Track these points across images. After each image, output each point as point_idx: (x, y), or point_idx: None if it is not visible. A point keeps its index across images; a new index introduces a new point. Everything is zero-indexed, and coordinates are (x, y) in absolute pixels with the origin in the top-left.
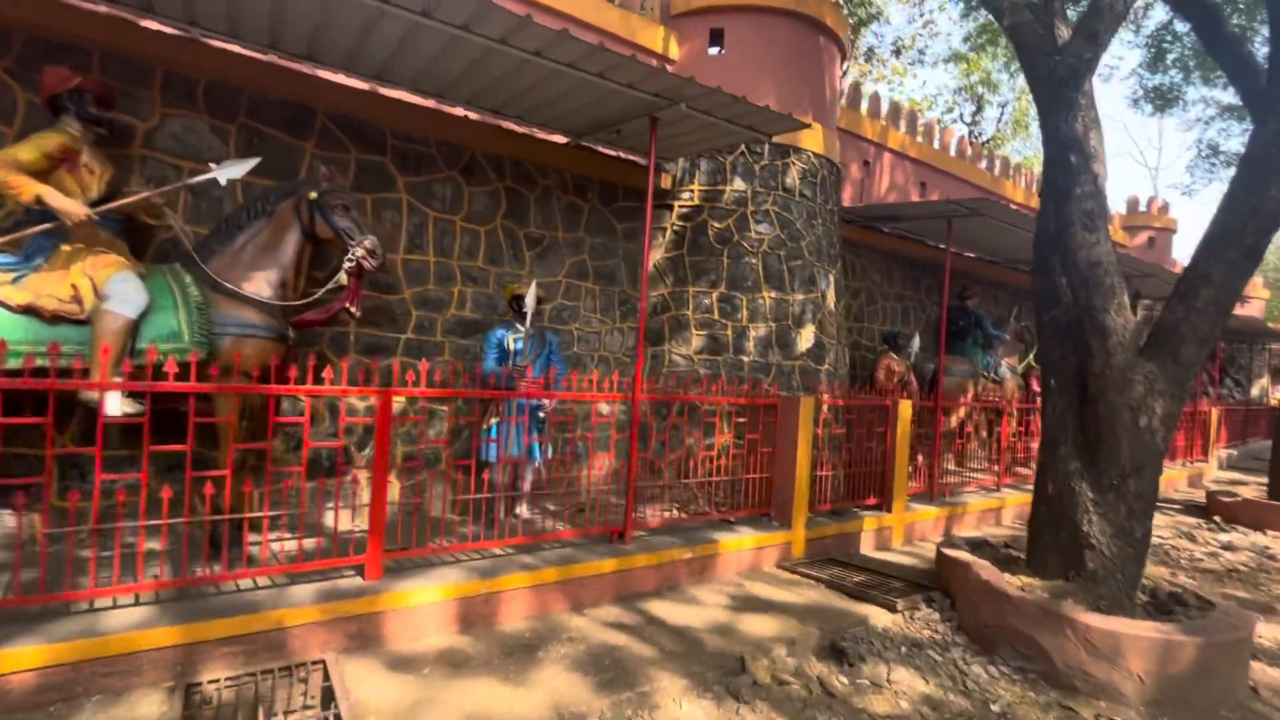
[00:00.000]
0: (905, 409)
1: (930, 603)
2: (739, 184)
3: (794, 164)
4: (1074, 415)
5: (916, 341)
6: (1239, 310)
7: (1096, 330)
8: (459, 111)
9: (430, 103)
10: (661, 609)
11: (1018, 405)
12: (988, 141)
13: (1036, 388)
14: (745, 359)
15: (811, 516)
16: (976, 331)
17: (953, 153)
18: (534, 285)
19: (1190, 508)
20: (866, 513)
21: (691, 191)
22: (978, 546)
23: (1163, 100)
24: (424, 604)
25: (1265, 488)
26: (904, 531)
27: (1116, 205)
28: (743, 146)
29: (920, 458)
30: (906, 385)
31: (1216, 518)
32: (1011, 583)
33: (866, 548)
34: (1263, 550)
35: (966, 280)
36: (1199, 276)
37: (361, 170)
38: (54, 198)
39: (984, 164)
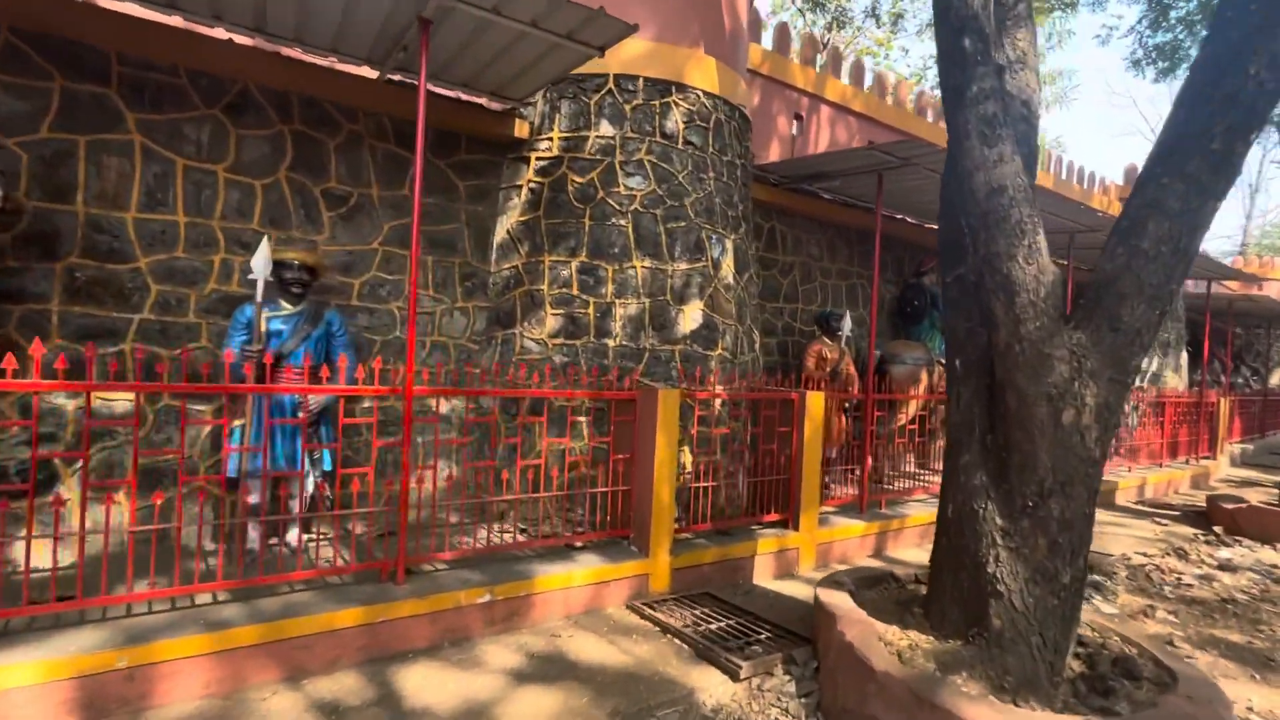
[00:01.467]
0: (815, 403)
1: (790, 666)
2: (606, 129)
3: (677, 104)
4: (982, 410)
5: (848, 322)
6: (1254, 290)
7: (999, 286)
8: (219, 33)
9: (175, 20)
10: (417, 677)
11: None
12: None
13: None
14: (610, 343)
15: (688, 538)
16: (934, 313)
17: (909, 108)
18: (265, 243)
19: (1189, 514)
20: (768, 531)
21: (550, 140)
22: (875, 583)
23: (1166, 61)
24: (15, 688)
25: (1277, 490)
26: (816, 553)
27: (1113, 175)
28: (611, 83)
29: (869, 460)
30: (838, 374)
31: (1217, 528)
32: (891, 644)
33: (763, 576)
34: (1268, 571)
35: (924, 254)
36: (1146, 205)
37: (70, 105)
38: None
39: None
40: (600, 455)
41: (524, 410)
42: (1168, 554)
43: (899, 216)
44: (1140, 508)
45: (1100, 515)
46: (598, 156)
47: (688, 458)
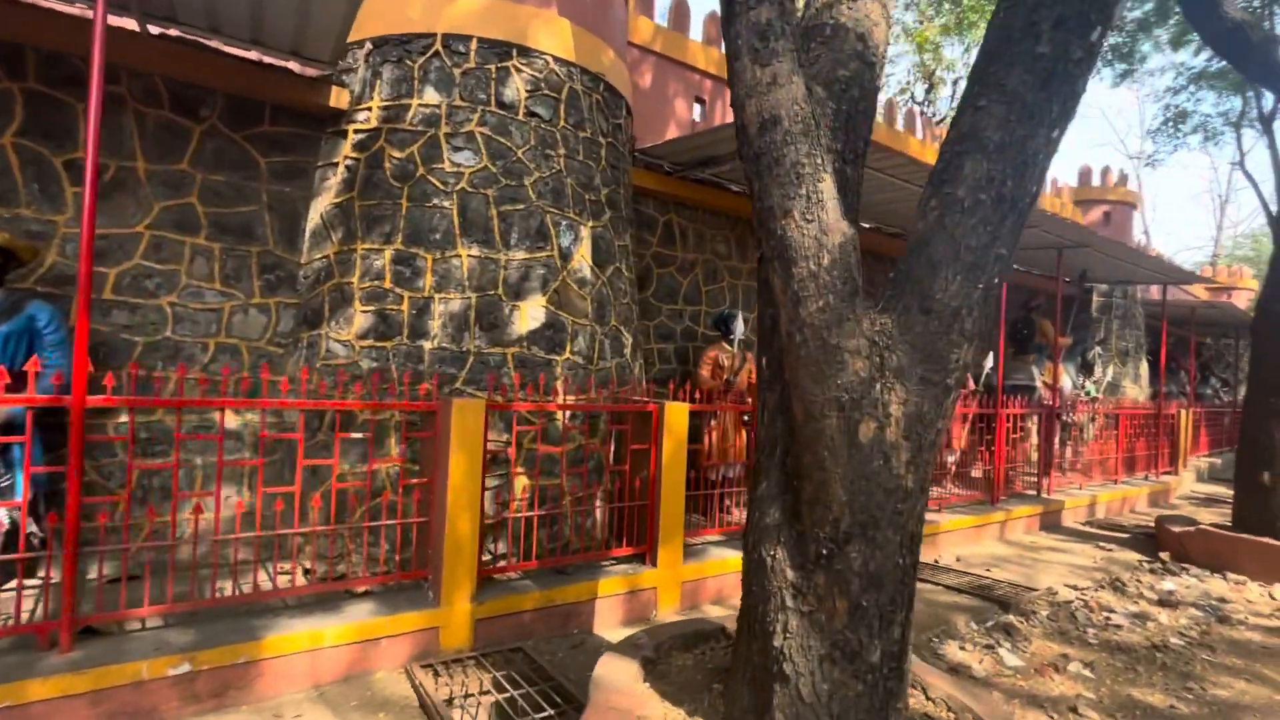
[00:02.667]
0: (676, 416)
1: None
2: (431, 96)
3: (518, 70)
4: (786, 424)
5: (740, 324)
6: (1221, 299)
7: (775, 254)
8: None
9: None
10: None
11: None
12: (941, 121)
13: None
14: (426, 345)
15: (509, 580)
16: None
17: None
18: None
19: (1139, 537)
20: (620, 568)
21: (369, 110)
22: (699, 642)
23: (1123, 63)
24: None
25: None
26: (681, 593)
27: (1067, 176)
28: (438, 44)
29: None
30: (732, 386)
31: (1164, 554)
32: None
33: (607, 623)
34: (1214, 607)
35: None
36: (962, 137)
37: None
38: None
39: (906, 126)
40: (407, 480)
41: (324, 426)
42: (1102, 587)
43: None
44: (1087, 529)
45: (1040, 540)
46: (419, 128)
47: (521, 482)
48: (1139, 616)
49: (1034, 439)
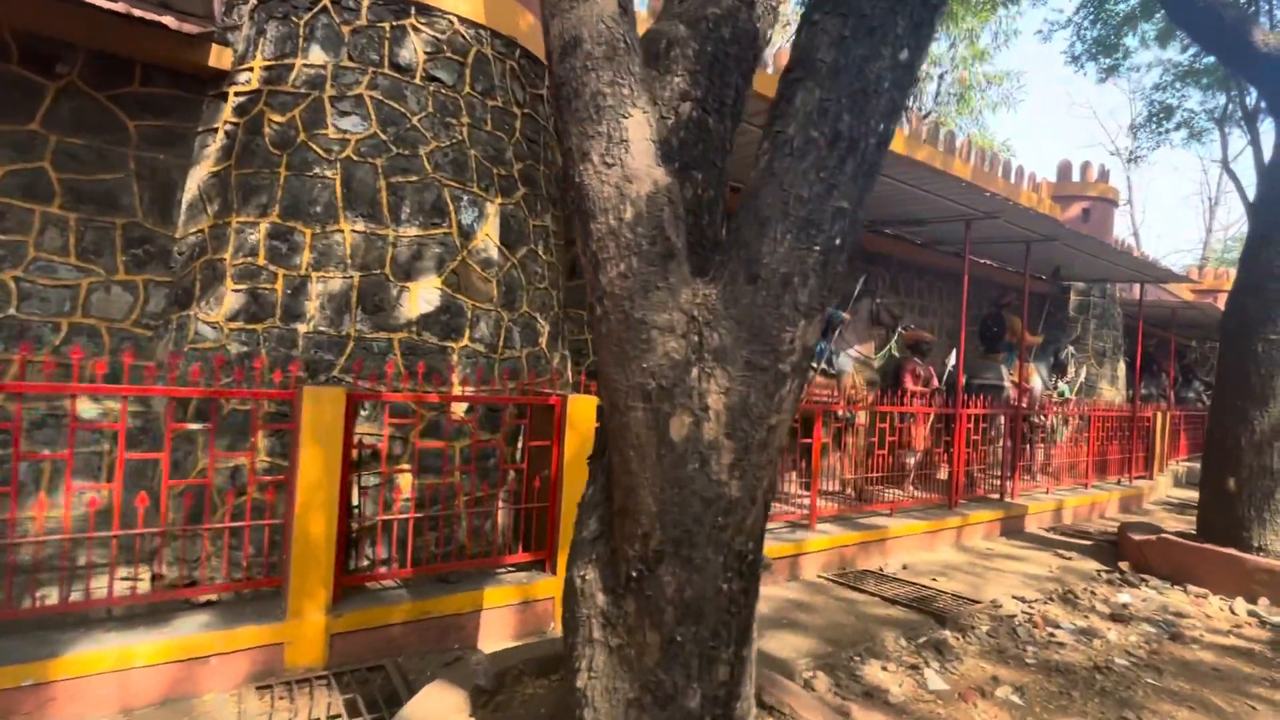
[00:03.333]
0: (583, 409)
1: None
2: (316, 55)
3: (417, 30)
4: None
5: None
6: (1205, 301)
7: (575, 207)
8: None
9: None
10: None
11: (856, 407)
12: (926, 116)
13: (911, 385)
14: (301, 328)
15: (381, 589)
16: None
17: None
18: None
19: (1103, 545)
20: (516, 576)
21: (251, 71)
22: (556, 666)
23: (1107, 57)
24: None
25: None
26: None
27: (1046, 172)
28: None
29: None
30: None
31: (1123, 564)
32: None
33: (496, 636)
34: (1169, 623)
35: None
36: (795, 64)
37: None
38: None
39: None
40: (261, 477)
41: (190, 417)
42: (1052, 599)
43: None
44: (1050, 536)
45: (997, 546)
46: (302, 90)
47: (406, 481)
48: (1086, 633)
49: (1006, 441)
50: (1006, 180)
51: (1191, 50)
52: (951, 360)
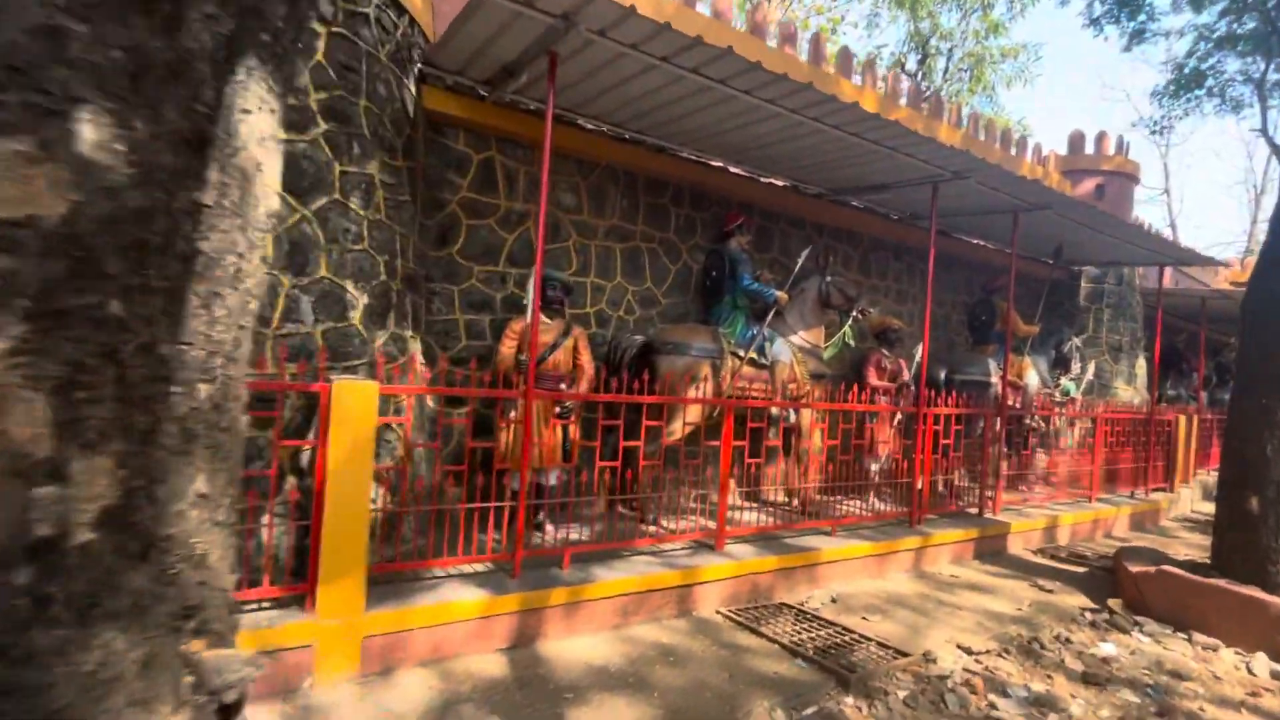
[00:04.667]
0: (358, 399)
1: None
2: None
3: None
4: None
5: (530, 288)
6: (1240, 291)
7: None
8: None
9: None
10: None
11: (796, 403)
12: (930, 95)
13: (875, 379)
14: None
15: None
16: (733, 285)
17: (740, 24)
18: None
19: (1099, 574)
20: (259, 616)
21: None
22: None
23: (1130, 19)
24: None
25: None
26: (359, 652)
27: (1056, 144)
28: None
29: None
30: (544, 362)
31: (1114, 602)
32: None
33: None
34: (1161, 688)
35: (728, 209)
36: None
37: None
38: None
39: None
40: None
41: None
42: (1008, 650)
43: (658, 142)
44: (1036, 560)
45: (964, 573)
46: None
47: None
48: (1041, 703)
49: (988, 446)
50: (1006, 151)
51: (1228, 17)
52: (918, 352)
